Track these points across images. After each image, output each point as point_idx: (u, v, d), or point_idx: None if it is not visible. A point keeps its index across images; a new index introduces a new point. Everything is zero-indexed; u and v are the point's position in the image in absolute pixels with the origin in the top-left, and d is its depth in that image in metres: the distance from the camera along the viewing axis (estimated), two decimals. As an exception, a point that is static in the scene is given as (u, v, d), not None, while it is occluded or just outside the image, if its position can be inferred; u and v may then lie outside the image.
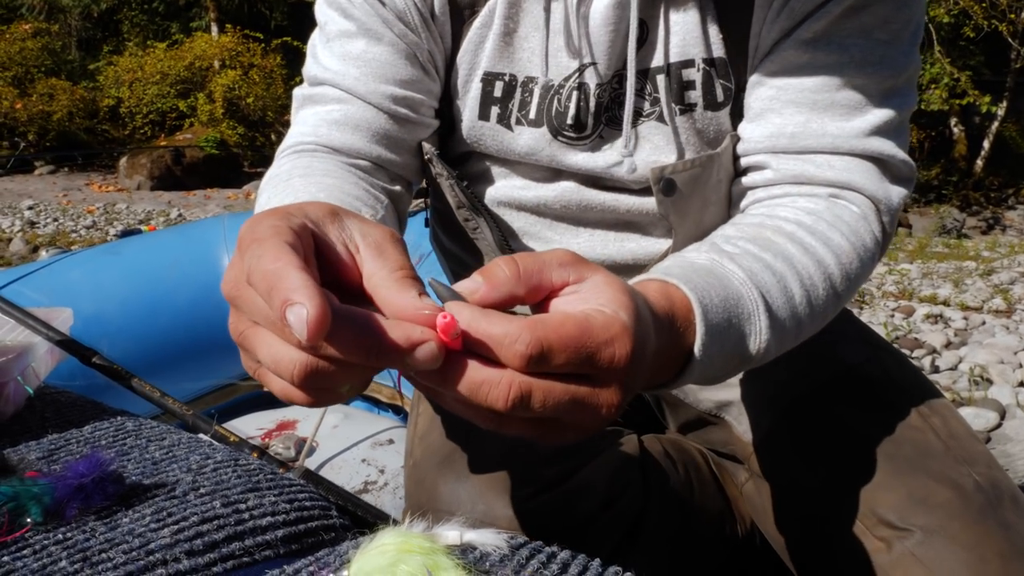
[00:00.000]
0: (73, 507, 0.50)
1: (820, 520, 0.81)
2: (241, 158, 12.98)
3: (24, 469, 0.56)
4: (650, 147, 0.78)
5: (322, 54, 0.79)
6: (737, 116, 0.78)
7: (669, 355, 0.51)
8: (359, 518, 0.68)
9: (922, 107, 9.40)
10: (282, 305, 0.36)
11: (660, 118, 0.77)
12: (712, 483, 0.96)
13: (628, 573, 0.43)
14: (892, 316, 3.83)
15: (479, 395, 0.40)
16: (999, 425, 2.44)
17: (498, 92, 0.79)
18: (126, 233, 3.21)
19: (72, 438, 0.64)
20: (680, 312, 0.52)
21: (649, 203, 0.80)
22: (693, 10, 0.73)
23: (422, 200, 1.00)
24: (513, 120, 0.79)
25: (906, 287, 4.53)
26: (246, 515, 0.51)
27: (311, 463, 1.52)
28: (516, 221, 0.85)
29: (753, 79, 0.75)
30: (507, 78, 0.78)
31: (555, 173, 0.82)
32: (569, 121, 0.77)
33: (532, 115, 0.78)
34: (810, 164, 0.72)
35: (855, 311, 3.83)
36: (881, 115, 0.71)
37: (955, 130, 11.85)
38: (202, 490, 0.54)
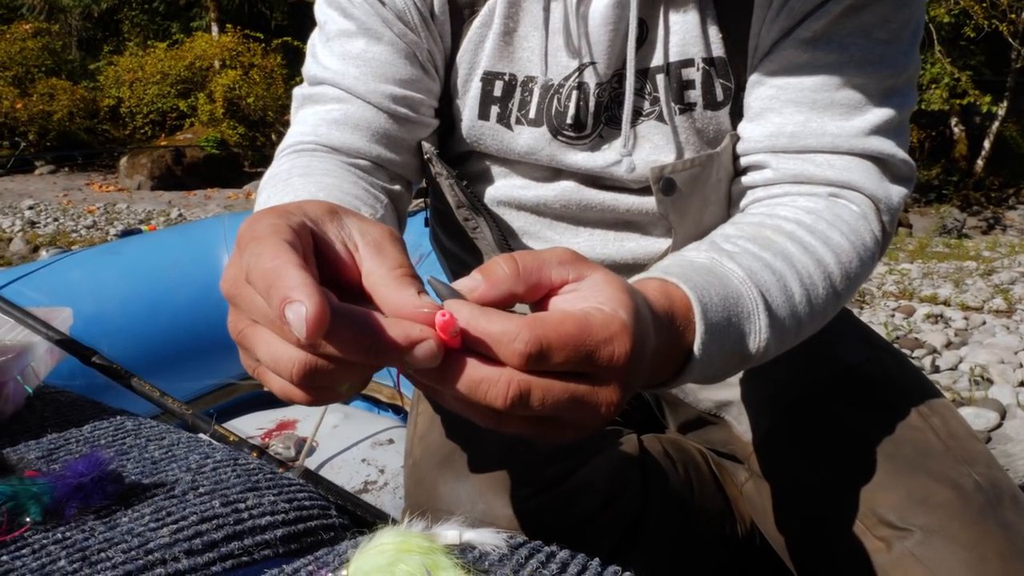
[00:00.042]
0: (72, 506, 0.50)
1: (820, 520, 0.80)
2: (241, 158, 12.99)
3: (23, 468, 0.56)
4: (650, 146, 0.78)
5: (322, 53, 0.79)
6: (737, 116, 0.77)
7: (668, 354, 0.51)
8: (359, 518, 0.68)
9: (922, 107, 9.40)
10: (281, 303, 0.36)
11: (660, 117, 0.77)
12: (712, 483, 0.96)
13: (627, 573, 0.43)
14: (892, 316, 3.83)
15: (478, 393, 0.40)
16: (999, 425, 2.44)
17: (498, 91, 0.79)
18: (126, 233, 3.21)
19: (71, 437, 0.64)
20: (680, 311, 0.52)
21: (649, 203, 0.80)
22: (693, 10, 0.73)
23: (422, 200, 1.00)
24: (513, 119, 0.79)
25: (906, 287, 4.53)
26: (245, 515, 0.51)
27: (311, 463, 1.52)
28: (516, 221, 0.85)
29: (753, 78, 0.75)
30: (507, 77, 0.78)
31: (555, 173, 0.82)
32: (569, 120, 0.77)
33: (532, 114, 0.78)
34: (810, 163, 0.72)
35: (855, 311, 3.83)
36: (881, 114, 0.71)
37: (955, 130, 11.85)
38: (201, 489, 0.54)
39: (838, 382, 0.85)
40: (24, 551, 0.46)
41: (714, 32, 0.74)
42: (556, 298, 0.44)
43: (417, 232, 1.37)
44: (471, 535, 0.43)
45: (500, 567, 0.42)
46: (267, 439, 1.63)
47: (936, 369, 3.01)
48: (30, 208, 8.48)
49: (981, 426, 2.41)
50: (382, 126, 0.77)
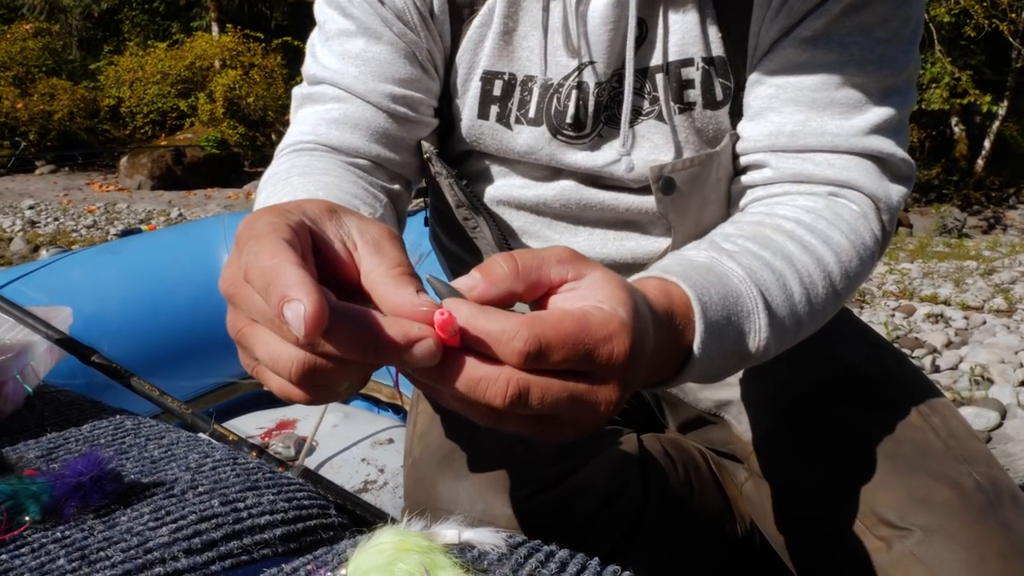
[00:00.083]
0: (71, 505, 0.50)
1: (820, 519, 0.80)
2: (242, 158, 12.99)
3: (23, 467, 0.56)
4: (649, 146, 0.78)
5: (321, 53, 0.79)
6: (736, 115, 0.77)
7: (668, 352, 0.51)
8: (358, 517, 0.68)
9: (923, 106, 9.40)
10: (279, 302, 0.36)
11: (659, 117, 0.77)
12: (712, 482, 0.96)
13: (627, 572, 0.43)
14: (893, 315, 3.83)
15: (477, 392, 0.40)
16: (1000, 425, 2.44)
17: (497, 91, 0.79)
18: (126, 232, 3.21)
19: (71, 437, 0.64)
20: (679, 309, 0.52)
21: (648, 202, 0.80)
22: (692, 9, 0.73)
23: (421, 199, 1.00)
24: (512, 119, 0.79)
25: (907, 286, 4.53)
26: (244, 514, 0.51)
27: (311, 462, 1.52)
28: (515, 220, 0.85)
29: (752, 78, 0.75)
30: (506, 77, 0.78)
31: (554, 172, 0.82)
32: (568, 120, 0.77)
33: (531, 114, 0.78)
34: (809, 163, 0.72)
35: (855, 310, 3.83)
36: (881, 113, 0.71)
37: (956, 129, 11.84)
38: (200, 489, 0.54)
39: (838, 381, 0.85)
40: (23, 550, 0.46)
41: (713, 31, 0.74)
42: (555, 297, 0.44)
43: (417, 232, 1.36)
44: (470, 534, 0.43)
45: (499, 566, 0.42)
46: (267, 438, 1.63)
47: (936, 369, 3.01)
48: (30, 208, 8.48)
49: (981, 426, 2.41)
50: (381, 125, 0.77)
